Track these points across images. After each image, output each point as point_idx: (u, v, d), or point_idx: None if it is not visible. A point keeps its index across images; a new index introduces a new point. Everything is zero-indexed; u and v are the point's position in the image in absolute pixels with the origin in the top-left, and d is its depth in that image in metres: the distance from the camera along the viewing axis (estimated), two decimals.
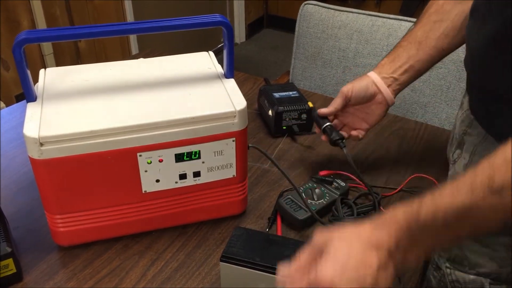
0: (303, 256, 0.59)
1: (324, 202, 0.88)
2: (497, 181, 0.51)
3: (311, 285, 0.55)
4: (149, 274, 0.77)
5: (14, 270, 0.74)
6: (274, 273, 0.67)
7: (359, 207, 0.87)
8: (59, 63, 2.36)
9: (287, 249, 0.69)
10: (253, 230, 0.73)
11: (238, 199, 0.85)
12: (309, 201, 0.87)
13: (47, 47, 2.30)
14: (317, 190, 0.89)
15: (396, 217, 0.56)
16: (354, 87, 0.89)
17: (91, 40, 2.51)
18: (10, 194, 0.92)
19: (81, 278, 0.76)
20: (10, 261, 0.72)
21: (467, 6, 0.78)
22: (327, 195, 0.89)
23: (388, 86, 0.90)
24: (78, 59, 2.47)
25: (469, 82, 0.79)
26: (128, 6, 2.63)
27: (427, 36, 0.87)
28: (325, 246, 0.57)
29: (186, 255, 0.80)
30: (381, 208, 0.88)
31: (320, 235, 0.59)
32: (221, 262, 0.70)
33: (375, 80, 0.90)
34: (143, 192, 0.79)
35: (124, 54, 2.72)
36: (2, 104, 2.18)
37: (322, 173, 0.95)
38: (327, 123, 0.92)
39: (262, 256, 0.68)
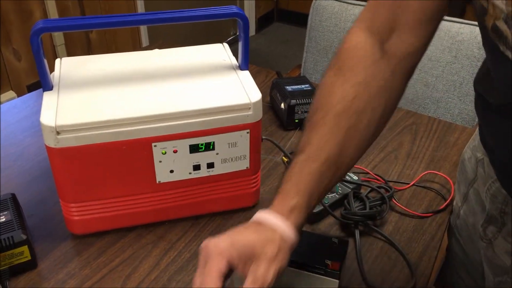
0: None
1: (337, 196, 0.88)
2: None
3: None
4: (162, 264, 0.77)
5: (29, 258, 0.74)
6: (289, 266, 0.67)
7: (371, 201, 0.87)
8: (70, 54, 2.37)
9: (300, 240, 0.69)
10: None
11: (251, 191, 0.86)
12: None
13: (58, 38, 2.31)
14: None
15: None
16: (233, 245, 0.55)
17: (102, 32, 2.52)
18: (25, 182, 0.93)
19: (94, 266, 0.77)
20: (25, 248, 0.73)
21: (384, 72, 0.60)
22: (339, 188, 0.89)
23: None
24: (89, 50, 2.48)
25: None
26: (140, 4, 2.64)
27: (340, 154, 0.59)
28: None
29: (199, 246, 0.81)
30: (394, 201, 0.88)
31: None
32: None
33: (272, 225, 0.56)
34: (157, 182, 0.79)
35: (135, 46, 2.72)
36: (13, 94, 2.20)
37: None
38: None
39: None
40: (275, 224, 0.55)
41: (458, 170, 0.87)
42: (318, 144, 0.59)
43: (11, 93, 2.19)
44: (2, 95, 2.15)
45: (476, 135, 0.82)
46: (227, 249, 0.54)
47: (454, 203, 0.88)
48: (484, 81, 0.69)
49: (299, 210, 0.56)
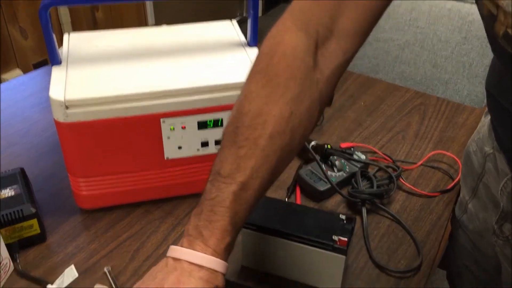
0: None
1: (344, 175, 0.88)
2: None
3: None
4: (170, 239, 0.78)
5: (38, 231, 0.75)
6: (294, 240, 0.67)
7: (379, 180, 0.87)
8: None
9: (307, 217, 0.70)
10: (274, 198, 0.74)
11: None
12: (329, 173, 0.87)
13: (64, 16, 2.30)
14: (337, 162, 0.89)
15: None
16: None
17: (108, 9, 2.51)
18: (33, 157, 0.93)
19: (103, 241, 0.77)
20: (34, 221, 0.74)
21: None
22: (347, 167, 0.89)
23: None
24: (95, 28, 2.47)
25: None
26: None
27: (272, 176, 0.55)
28: None
29: None
30: (402, 180, 0.88)
31: None
32: (242, 228, 0.70)
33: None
34: (166, 158, 0.79)
35: (141, 24, 2.71)
36: (20, 72, 2.20)
37: (343, 145, 0.95)
38: None
39: (283, 223, 0.69)
40: (217, 267, 0.50)
41: (463, 163, 0.86)
42: (251, 172, 0.52)
43: (17, 71, 2.19)
44: (8, 73, 2.15)
45: (481, 128, 0.81)
46: None
47: (461, 195, 0.87)
48: (498, 85, 0.67)
49: (231, 245, 0.53)
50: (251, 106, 0.54)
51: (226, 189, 0.52)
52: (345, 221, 0.69)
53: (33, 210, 0.73)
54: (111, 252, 0.75)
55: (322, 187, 0.85)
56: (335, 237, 0.66)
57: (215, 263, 0.50)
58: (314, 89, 0.56)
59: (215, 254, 0.50)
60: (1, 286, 0.70)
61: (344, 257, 0.66)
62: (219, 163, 0.53)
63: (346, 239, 0.66)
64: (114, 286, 0.69)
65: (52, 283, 0.69)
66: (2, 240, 0.69)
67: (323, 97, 0.58)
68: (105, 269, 0.72)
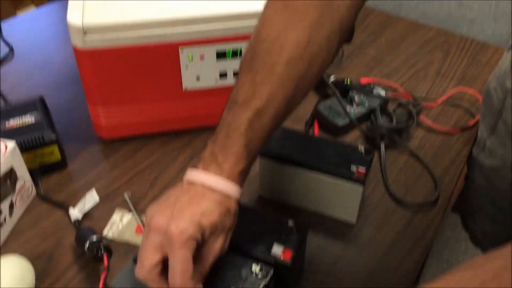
0: None
1: (363, 110, 0.87)
2: None
3: None
4: (187, 169, 0.78)
5: (59, 157, 0.76)
6: (312, 170, 0.67)
7: (398, 116, 0.86)
8: None
9: (326, 148, 0.70)
10: (292, 129, 0.73)
11: None
12: (348, 108, 0.86)
13: None
14: (356, 98, 0.88)
15: None
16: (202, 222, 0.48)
17: None
18: (52, 89, 0.94)
19: (122, 169, 0.78)
20: (55, 147, 0.75)
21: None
22: (366, 103, 0.88)
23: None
24: None
25: None
26: None
27: (287, 106, 0.54)
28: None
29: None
30: (422, 117, 0.87)
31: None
32: (260, 158, 0.70)
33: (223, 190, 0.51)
34: (184, 89, 0.79)
35: None
36: (33, 7, 2.17)
37: (363, 80, 0.93)
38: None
39: (301, 153, 0.69)
40: (230, 191, 0.50)
41: (483, 100, 0.84)
42: (267, 99, 0.51)
43: (31, 7, 2.16)
44: (23, 9, 2.13)
45: (502, 63, 0.78)
46: (195, 234, 0.47)
47: (479, 134, 0.86)
48: None
49: (246, 171, 0.53)
50: (269, 32, 0.52)
51: (242, 115, 0.51)
52: (363, 153, 0.68)
53: (54, 136, 0.74)
54: (131, 180, 0.77)
55: (341, 122, 0.84)
56: (353, 168, 0.66)
57: (228, 187, 0.50)
58: (335, 16, 0.54)
59: (229, 178, 0.50)
60: (24, 209, 0.72)
61: (361, 187, 0.66)
62: (235, 90, 0.53)
63: (364, 169, 0.66)
64: (134, 212, 0.71)
65: (73, 207, 0.70)
66: (24, 164, 0.70)
67: (344, 26, 0.56)
68: (125, 196, 0.73)
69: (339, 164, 0.67)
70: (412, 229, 0.70)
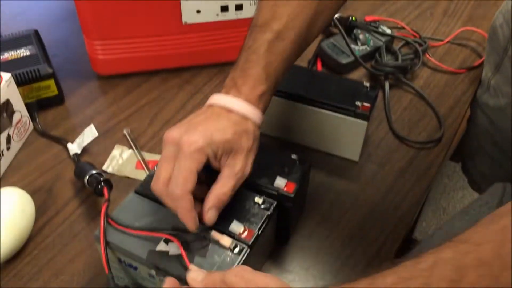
0: None
1: (368, 48, 0.85)
2: None
3: None
4: (189, 106, 0.77)
5: (56, 92, 0.74)
6: (316, 106, 0.66)
7: (404, 54, 0.84)
8: None
9: (330, 84, 0.68)
10: (297, 65, 0.71)
11: None
12: (352, 46, 0.84)
13: None
14: (361, 36, 0.86)
15: None
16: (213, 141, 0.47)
17: None
18: (48, 23, 0.91)
19: (121, 105, 0.77)
20: (51, 82, 0.73)
21: None
22: (371, 41, 0.85)
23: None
24: None
25: None
26: None
27: (308, 29, 0.54)
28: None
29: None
30: (427, 56, 0.85)
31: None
32: None
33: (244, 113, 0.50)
34: (183, 23, 0.76)
35: None
36: None
37: (368, 18, 0.90)
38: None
39: (305, 89, 0.67)
40: (247, 112, 0.49)
41: (488, 39, 0.82)
42: (287, 20, 0.51)
43: None
44: None
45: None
46: (205, 148, 0.46)
47: (483, 75, 0.84)
48: None
49: (266, 96, 0.51)
50: None
51: (261, 37, 0.51)
52: (368, 88, 0.67)
53: (50, 70, 0.72)
54: (130, 116, 0.75)
55: (345, 60, 0.82)
56: (357, 103, 0.64)
57: (246, 108, 0.49)
58: None
59: (247, 100, 0.49)
60: (22, 144, 0.70)
61: (365, 122, 0.65)
62: (255, 15, 0.53)
63: (368, 105, 0.64)
64: (134, 147, 0.70)
65: (72, 142, 0.69)
66: (20, 97, 0.68)
67: None
68: (125, 131, 0.72)
69: (343, 99, 0.65)
70: (414, 166, 0.69)
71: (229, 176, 0.48)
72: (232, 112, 0.49)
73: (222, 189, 0.48)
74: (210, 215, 0.48)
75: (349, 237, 0.61)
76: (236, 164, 0.48)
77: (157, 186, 0.47)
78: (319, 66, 0.84)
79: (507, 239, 0.34)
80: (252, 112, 0.50)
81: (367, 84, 0.67)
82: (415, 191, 0.66)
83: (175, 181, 0.46)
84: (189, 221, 0.47)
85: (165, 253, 0.48)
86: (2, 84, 0.64)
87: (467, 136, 0.95)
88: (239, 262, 0.48)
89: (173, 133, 0.47)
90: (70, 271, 0.57)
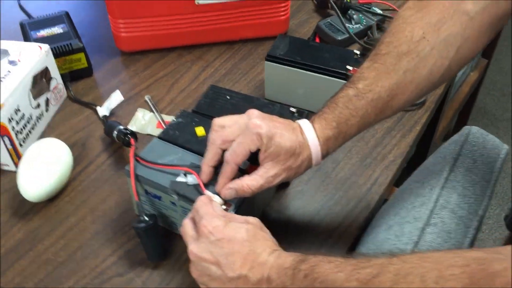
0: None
1: (361, 27, 0.94)
2: None
3: None
4: (201, 77, 0.87)
5: (86, 65, 0.85)
6: (311, 71, 0.76)
7: None
8: None
9: (325, 52, 0.78)
10: (296, 37, 0.81)
11: (281, 19, 0.92)
12: (347, 24, 0.94)
13: None
14: (355, 16, 0.95)
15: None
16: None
17: None
18: (75, 6, 1.01)
19: (142, 77, 0.87)
20: (82, 55, 0.83)
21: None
22: (364, 20, 0.95)
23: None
24: None
25: None
26: None
27: (390, 96, 0.57)
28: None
29: (233, 65, 0.90)
30: None
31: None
32: (266, 62, 0.79)
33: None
34: (196, 3, 0.86)
35: None
36: None
37: (361, 0, 1.00)
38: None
39: (302, 56, 0.77)
40: (311, 142, 0.55)
41: None
42: (371, 82, 0.56)
43: None
44: None
45: None
46: (263, 136, 0.53)
47: None
48: None
49: (332, 141, 0.56)
50: (395, 24, 0.58)
51: (346, 91, 0.57)
52: (359, 55, 0.76)
53: (81, 44, 0.82)
54: (150, 86, 0.85)
55: (340, 37, 0.92)
56: (349, 67, 0.74)
57: (312, 138, 0.55)
58: (456, 21, 0.55)
59: (317, 136, 0.55)
60: (58, 108, 0.81)
61: None
62: (357, 72, 0.59)
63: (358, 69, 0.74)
64: (154, 110, 0.80)
65: (101, 106, 0.79)
66: (56, 66, 0.79)
67: (466, 36, 0.56)
68: (146, 98, 0.82)
69: (336, 65, 0.75)
70: (401, 125, 0.79)
71: (262, 176, 0.54)
72: (303, 134, 0.55)
73: (250, 181, 0.55)
74: (228, 193, 0.55)
75: (341, 182, 0.71)
76: (272, 170, 0.54)
77: (218, 138, 0.56)
78: (317, 40, 0.94)
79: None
80: (314, 145, 0.55)
81: (358, 52, 0.77)
82: (400, 145, 0.76)
83: (232, 150, 0.54)
84: (206, 176, 0.57)
85: (184, 183, 0.58)
86: (41, 53, 0.74)
87: None
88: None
89: (255, 112, 0.55)
90: (102, 209, 0.68)
